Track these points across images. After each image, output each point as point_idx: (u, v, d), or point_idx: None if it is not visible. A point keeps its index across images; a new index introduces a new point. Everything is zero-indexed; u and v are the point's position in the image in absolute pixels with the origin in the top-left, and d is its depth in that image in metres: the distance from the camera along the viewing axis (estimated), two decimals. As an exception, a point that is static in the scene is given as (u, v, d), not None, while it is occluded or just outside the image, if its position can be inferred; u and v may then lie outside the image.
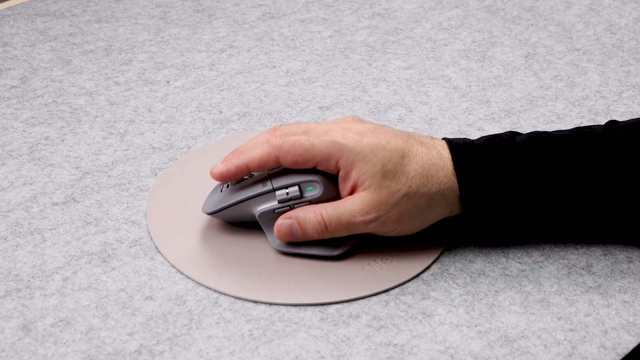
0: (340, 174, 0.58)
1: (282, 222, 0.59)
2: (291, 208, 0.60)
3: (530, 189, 0.58)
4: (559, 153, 0.58)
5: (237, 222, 0.63)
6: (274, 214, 0.60)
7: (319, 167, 0.59)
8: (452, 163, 0.58)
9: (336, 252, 0.61)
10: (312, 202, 0.60)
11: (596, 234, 0.63)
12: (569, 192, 0.58)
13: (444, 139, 0.60)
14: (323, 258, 0.61)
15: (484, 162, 0.58)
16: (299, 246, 0.60)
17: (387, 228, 0.59)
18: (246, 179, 0.61)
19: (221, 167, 0.60)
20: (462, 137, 0.60)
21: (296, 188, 0.59)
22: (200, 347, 0.54)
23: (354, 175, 0.58)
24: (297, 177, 0.59)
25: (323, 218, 0.58)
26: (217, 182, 0.63)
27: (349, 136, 0.58)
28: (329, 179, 0.60)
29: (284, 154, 0.58)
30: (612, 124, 0.60)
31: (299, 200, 0.60)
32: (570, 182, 0.58)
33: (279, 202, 0.60)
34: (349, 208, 0.58)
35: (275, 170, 0.60)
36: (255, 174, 0.61)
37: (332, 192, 0.60)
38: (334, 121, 0.61)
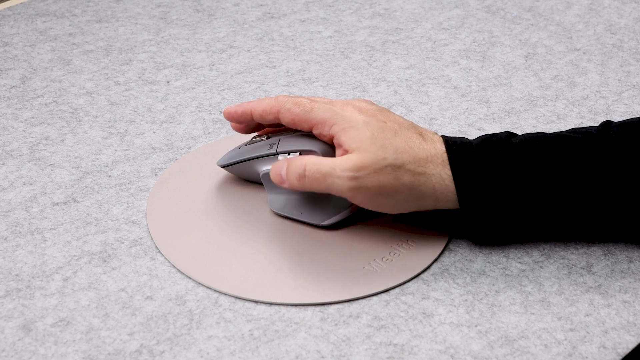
0: (334, 141, 0.60)
1: (277, 162, 0.62)
2: None
3: (526, 187, 0.58)
4: (554, 152, 0.59)
5: (247, 179, 0.66)
6: None
7: (315, 132, 0.61)
8: (444, 156, 0.59)
9: (324, 222, 0.62)
10: None
11: (596, 234, 0.63)
12: (564, 191, 0.58)
13: (442, 136, 0.61)
14: (312, 225, 0.63)
15: (480, 160, 0.58)
16: (292, 211, 0.63)
17: (365, 196, 0.59)
18: (261, 140, 0.64)
19: (229, 107, 0.65)
20: (459, 137, 0.61)
21: (297, 155, 0.62)
22: (201, 347, 0.54)
23: (344, 140, 0.59)
24: (300, 145, 0.62)
25: (305, 163, 0.60)
26: (237, 144, 0.68)
27: (347, 109, 0.61)
28: (330, 152, 0.61)
29: (285, 110, 0.62)
30: (607, 123, 0.61)
31: None
32: (565, 181, 0.58)
33: None
34: (332, 161, 0.59)
35: (287, 135, 0.63)
36: (271, 138, 0.64)
37: None
38: (347, 99, 0.64)
